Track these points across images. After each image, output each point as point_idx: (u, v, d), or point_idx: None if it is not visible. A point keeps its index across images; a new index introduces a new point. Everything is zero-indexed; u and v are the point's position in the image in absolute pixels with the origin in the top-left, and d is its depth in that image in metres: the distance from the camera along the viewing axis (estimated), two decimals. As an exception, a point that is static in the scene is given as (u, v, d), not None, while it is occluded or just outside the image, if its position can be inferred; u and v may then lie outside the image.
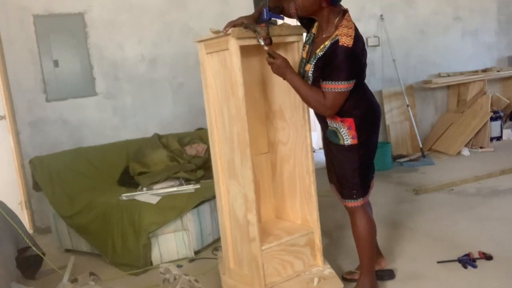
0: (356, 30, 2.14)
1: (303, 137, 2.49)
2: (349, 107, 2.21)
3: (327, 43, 2.14)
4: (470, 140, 5.54)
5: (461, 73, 5.93)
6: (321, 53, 2.17)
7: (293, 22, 2.59)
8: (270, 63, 2.19)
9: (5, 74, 4.00)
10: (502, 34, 6.36)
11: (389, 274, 2.64)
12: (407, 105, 5.46)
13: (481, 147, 5.55)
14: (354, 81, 2.13)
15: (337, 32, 2.11)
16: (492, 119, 5.69)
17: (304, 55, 2.30)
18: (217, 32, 2.19)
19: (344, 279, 2.61)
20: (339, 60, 2.08)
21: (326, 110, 2.19)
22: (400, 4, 5.68)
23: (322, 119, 2.35)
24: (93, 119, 4.32)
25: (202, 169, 3.75)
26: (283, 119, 2.58)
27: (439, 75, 5.89)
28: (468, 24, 6.11)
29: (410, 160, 5.27)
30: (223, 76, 2.27)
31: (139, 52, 4.45)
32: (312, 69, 2.21)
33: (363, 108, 2.26)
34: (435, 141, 5.70)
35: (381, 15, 5.57)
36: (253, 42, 2.19)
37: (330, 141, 2.35)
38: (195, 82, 4.47)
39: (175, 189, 3.37)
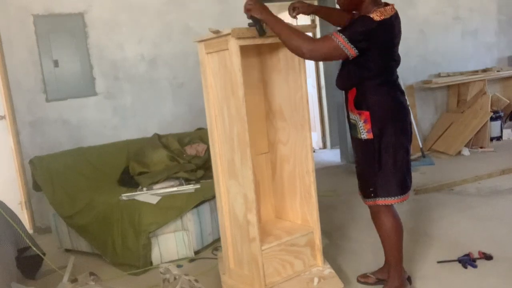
0: (392, 17, 2.12)
1: (303, 137, 2.49)
2: (367, 100, 2.21)
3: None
4: (470, 140, 5.54)
5: (461, 73, 5.92)
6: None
7: (294, 22, 2.59)
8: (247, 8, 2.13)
9: (5, 74, 4.01)
10: (502, 34, 6.35)
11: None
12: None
13: (481, 147, 5.55)
14: (355, 50, 2.08)
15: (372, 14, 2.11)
16: (492, 119, 5.69)
17: None
18: (216, 32, 2.19)
19: (359, 282, 2.64)
20: (356, 23, 2.11)
21: (303, 48, 2.08)
22: (400, 4, 5.61)
23: (347, 112, 2.34)
24: (93, 119, 4.32)
25: (202, 169, 3.74)
26: (283, 119, 2.58)
27: (439, 75, 5.89)
28: (468, 24, 6.11)
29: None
30: (223, 76, 2.27)
31: (139, 52, 4.45)
32: None
33: (385, 105, 2.22)
34: (435, 141, 5.70)
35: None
36: (253, 42, 2.20)
37: (351, 135, 2.35)
38: (195, 82, 4.48)
39: (175, 189, 3.37)
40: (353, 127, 2.32)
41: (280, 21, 2.12)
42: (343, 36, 2.07)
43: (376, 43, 2.12)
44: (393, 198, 2.30)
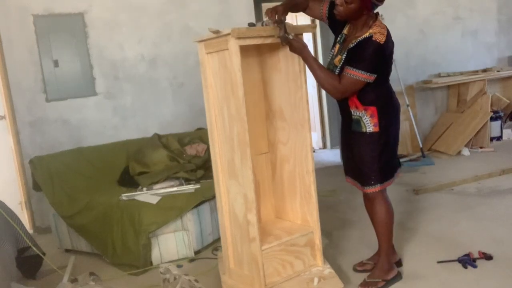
0: (388, 30, 2.31)
1: (303, 137, 2.49)
2: (373, 98, 2.36)
3: (361, 38, 2.27)
4: (470, 140, 5.54)
5: (461, 73, 5.93)
6: (352, 45, 2.31)
7: (294, 22, 2.59)
8: (288, 42, 2.25)
9: (5, 74, 4.00)
10: (502, 34, 6.35)
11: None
12: (407, 105, 5.46)
13: (481, 147, 5.55)
14: (374, 75, 2.26)
15: (371, 31, 2.27)
16: (492, 119, 5.69)
17: (335, 53, 2.43)
18: (216, 32, 2.19)
19: (355, 270, 2.72)
20: (367, 52, 2.24)
21: (336, 93, 2.32)
22: (400, 4, 5.68)
23: (345, 109, 2.45)
24: (93, 119, 4.32)
25: (202, 169, 3.74)
26: (283, 119, 2.58)
27: (439, 75, 5.89)
28: (468, 24, 6.11)
29: (410, 160, 5.27)
30: (223, 76, 2.27)
31: (139, 52, 4.45)
32: (342, 61, 2.33)
33: (385, 101, 2.40)
34: (435, 141, 5.70)
35: (381, 15, 5.54)
36: (253, 42, 2.20)
37: (352, 131, 2.44)
38: (195, 82, 4.47)
39: (175, 189, 3.37)
40: (355, 122, 2.41)
41: (316, 62, 2.31)
42: (359, 70, 2.23)
43: (384, 59, 2.32)
44: (389, 180, 2.49)
